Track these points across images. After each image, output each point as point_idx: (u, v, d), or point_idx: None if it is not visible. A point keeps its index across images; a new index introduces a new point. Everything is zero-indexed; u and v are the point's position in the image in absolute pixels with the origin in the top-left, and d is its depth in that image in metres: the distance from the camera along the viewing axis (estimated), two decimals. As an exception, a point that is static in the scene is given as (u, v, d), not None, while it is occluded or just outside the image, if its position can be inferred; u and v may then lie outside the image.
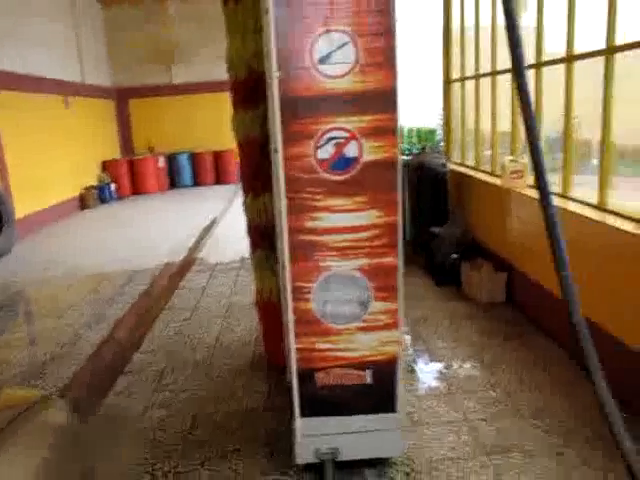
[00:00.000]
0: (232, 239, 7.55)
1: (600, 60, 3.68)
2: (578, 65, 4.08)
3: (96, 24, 14.48)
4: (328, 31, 2.34)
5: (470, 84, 6.38)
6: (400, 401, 2.77)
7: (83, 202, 12.52)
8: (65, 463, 1.77)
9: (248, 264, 4.95)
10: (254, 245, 3.92)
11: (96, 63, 14.20)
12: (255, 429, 3.31)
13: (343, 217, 2.49)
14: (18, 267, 7.67)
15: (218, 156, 14.94)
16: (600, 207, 3.85)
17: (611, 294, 3.50)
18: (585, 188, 4.24)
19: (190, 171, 15.21)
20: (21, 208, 9.54)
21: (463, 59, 6.64)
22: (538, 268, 4.52)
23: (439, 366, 4.00)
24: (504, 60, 5.26)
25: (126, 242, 8.77)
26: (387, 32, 2.35)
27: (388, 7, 2.34)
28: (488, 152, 6.05)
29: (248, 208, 3.82)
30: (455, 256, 5.62)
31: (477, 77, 6.13)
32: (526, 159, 4.99)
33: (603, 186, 3.82)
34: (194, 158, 15.16)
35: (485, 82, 5.94)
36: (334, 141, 2.41)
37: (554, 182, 4.24)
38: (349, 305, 2.60)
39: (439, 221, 6.20)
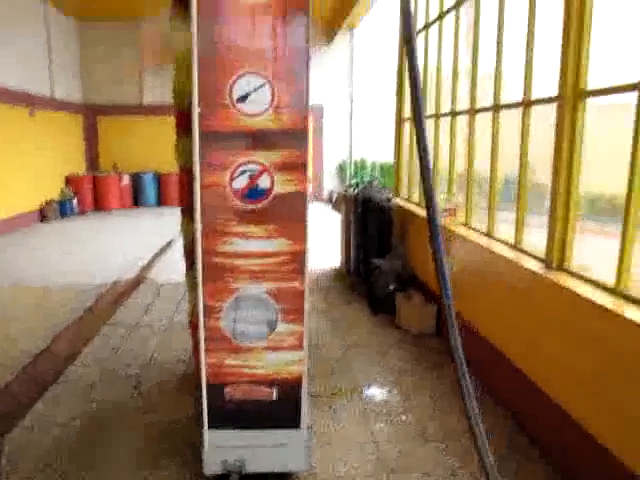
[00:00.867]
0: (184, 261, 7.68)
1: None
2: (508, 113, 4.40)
3: (70, 39, 14.64)
4: (247, 73, 2.58)
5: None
6: (304, 418, 2.95)
7: (43, 215, 12.53)
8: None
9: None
10: (189, 266, 4.08)
11: (67, 78, 14.32)
12: (173, 440, 3.45)
13: (254, 243, 2.70)
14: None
15: (183, 177, 15.07)
16: (516, 246, 4.13)
17: (505, 319, 3.77)
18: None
19: (155, 191, 15.33)
20: (-22, 217, 9.56)
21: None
22: (462, 302, 4.77)
23: (359, 389, 4.20)
24: (448, 103, 5.59)
25: (79, 257, 8.83)
26: (301, 77, 2.60)
27: (303, 55, 2.60)
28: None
29: (184, 231, 4.00)
30: (392, 287, 5.86)
31: (427, 118, 6.45)
32: (460, 198, 5.30)
33: (519, 227, 4.10)
34: (159, 178, 15.29)
35: (430, 123, 6.27)
36: (248, 173, 2.63)
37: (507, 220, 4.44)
38: (257, 325, 2.79)
39: (382, 253, 6.47)
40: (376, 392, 4.16)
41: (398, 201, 6.96)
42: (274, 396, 2.89)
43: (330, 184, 16.28)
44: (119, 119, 15.45)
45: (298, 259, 2.75)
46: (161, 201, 15.37)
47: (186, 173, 3.91)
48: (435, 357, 4.80)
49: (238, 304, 2.76)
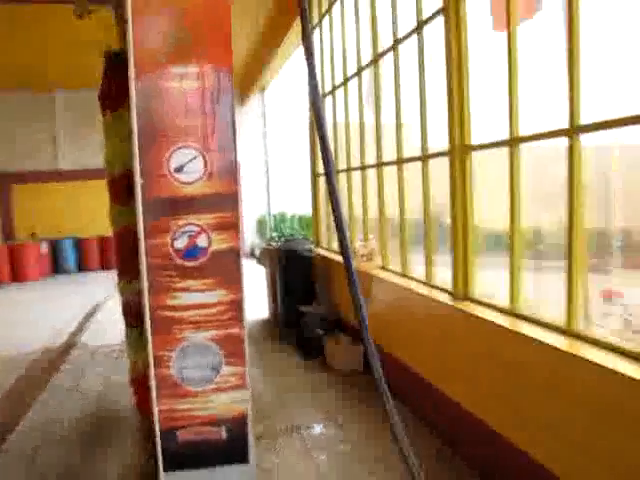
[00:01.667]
0: (114, 323, 7.76)
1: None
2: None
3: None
4: (181, 147, 2.95)
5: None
6: (252, 453, 3.23)
7: (-43, 290, 12.13)
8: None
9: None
10: (130, 324, 4.31)
11: (-22, 148, 14.13)
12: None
13: (196, 296, 3.03)
14: None
15: (104, 241, 15.00)
16: (427, 283, 4.63)
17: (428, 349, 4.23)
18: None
19: (75, 256, 15.16)
20: None
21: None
22: (386, 340, 5.22)
23: (298, 427, 4.50)
24: (370, 157, 6.12)
25: (2, 329, 8.67)
26: (229, 149, 3.01)
27: (230, 129, 3.01)
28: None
29: (122, 291, 4.25)
30: (320, 332, 6.24)
31: (340, 172, 7.02)
32: (375, 243, 5.81)
33: (428, 265, 4.61)
34: (79, 244, 15.15)
35: (343, 176, 6.82)
36: (187, 234, 2.98)
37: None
38: (204, 370, 3.09)
39: (308, 300, 6.87)
40: (313, 428, 4.47)
41: (319, 250, 7.42)
42: (223, 434, 3.16)
43: (251, 238, 16.62)
44: (35, 186, 15.28)
45: (235, 307, 3.10)
46: (82, 267, 15.18)
47: (120, 238, 4.21)
48: (364, 393, 5.15)
49: (185, 352, 3.05)
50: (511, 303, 3.42)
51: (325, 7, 7.08)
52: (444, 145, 4.07)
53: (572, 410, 2.73)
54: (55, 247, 14.94)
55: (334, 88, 7.00)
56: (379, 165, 5.55)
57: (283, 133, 16.37)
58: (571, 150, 2.82)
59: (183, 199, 2.98)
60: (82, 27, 6.29)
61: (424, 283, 4.66)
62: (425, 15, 4.33)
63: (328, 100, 7.29)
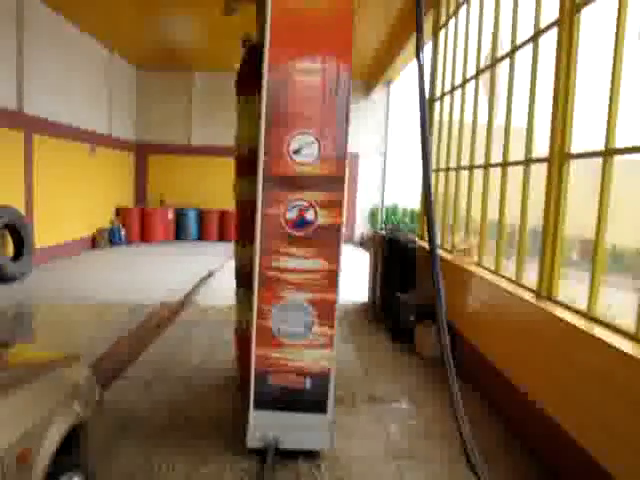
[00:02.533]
0: (224, 290, 8.53)
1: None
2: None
3: (129, 85, 16.03)
4: (301, 133, 3.42)
5: (446, 175, 7.52)
6: (331, 405, 3.67)
7: (95, 242, 13.60)
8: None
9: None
10: (239, 284, 4.88)
11: (123, 119, 15.64)
12: (221, 425, 4.20)
13: (299, 261, 3.50)
14: (33, 292, 8.65)
15: (224, 215, 16.10)
16: (516, 282, 4.84)
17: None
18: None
19: (196, 226, 16.38)
20: (40, 239, 10.61)
21: (439, 153, 7.83)
22: (471, 331, 5.48)
23: (378, 398, 4.89)
24: (479, 157, 6.35)
25: (129, 281, 9.75)
26: (341, 136, 3.44)
27: (344, 120, 3.44)
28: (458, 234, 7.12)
29: (238, 255, 4.82)
30: (412, 318, 6.56)
31: (450, 170, 7.28)
32: (474, 241, 6.04)
33: (519, 264, 4.82)
34: (201, 214, 16.36)
35: (453, 175, 7.07)
36: (298, 207, 3.45)
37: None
38: (298, 326, 3.56)
39: (406, 289, 7.20)
40: (391, 402, 4.85)
41: (422, 243, 7.71)
42: (307, 385, 3.63)
43: (362, 228, 17.08)
44: (167, 158, 16.66)
45: (332, 276, 3.54)
46: (201, 236, 16.39)
47: (242, 207, 4.77)
48: (445, 376, 5.45)
49: (284, 309, 3.54)
50: (589, 307, 3.60)
51: (453, 8, 7.31)
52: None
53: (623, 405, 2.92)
54: (179, 215, 16.23)
55: (453, 88, 7.24)
56: (486, 166, 5.76)
57: (404, 127, 16.61)
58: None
59: (298, 177, 3.45)
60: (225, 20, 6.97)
61: (513, 281, 4.87)
62: (542, 25, 4.52)
63: (447, 99, 7.54)
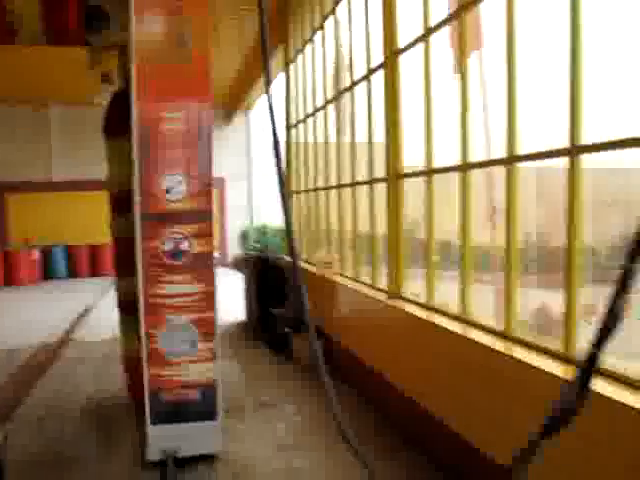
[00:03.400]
0: (104, 325, 8.63)
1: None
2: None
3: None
4: (170, 174, 3.89)
5: (306, 195, 8.22)
6: (219, 412, 4.13)
7: (-46, 292, 12.89)
8: None
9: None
10: (124, 314, 5.19)
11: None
12: (121, 439, 4.50)
13: (179, 287, 3.94)
14: None
15: (95, 249, 15.82)
16: (372, 285, 5.57)
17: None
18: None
19: (65, 263, 15.93)
20: None
21: (298, 175, 8.53)
22: (342, 334, 6.16)
23: (263, 403, 5.41)
24: (334, 178, 7.08)
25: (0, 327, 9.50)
26: (206, 175, 3.94)
27: (207, 159, 3.95)
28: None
29: (120, 287, 5.14)
30: (287, 330, 7.15)
31: (310, 191, 7.98)
32: (335, 255, 6.75)
33: (374, 270, 5.56)
34: (70, 251, 15.96)
35: (312, 195, 7.78)
36: (173, 240, 3.91)
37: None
38: (184, 345, 4.00)
39: (279, 303, 7.78)
40: (275, 405, 5.38)
41: (289, 259, 8.33)
42: (197, 397, 4.06)
43: (234, 250, 17.46)
44: (29, 195, 16.06)
45: (210, 297, 4.02)
46: (72, 273, 15.96)
47: (119, 244, 5.11)
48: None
49: (170, 331, 3.96)
50: (427, 300, 4.37)
51: (299, 46, 8.07)
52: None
53: (454, 370, 3.67)
54: (46, 254, 15.72)
55: (307, 116, 7.97)
56: (338, 187, 6.51)
57: (266, 150, 17.27)
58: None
59: (170, 213, 3.91)
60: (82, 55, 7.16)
61: (369, 285, 5.60)
62: (372, 65, 5.32)
63: (301, 126, 8.27)
